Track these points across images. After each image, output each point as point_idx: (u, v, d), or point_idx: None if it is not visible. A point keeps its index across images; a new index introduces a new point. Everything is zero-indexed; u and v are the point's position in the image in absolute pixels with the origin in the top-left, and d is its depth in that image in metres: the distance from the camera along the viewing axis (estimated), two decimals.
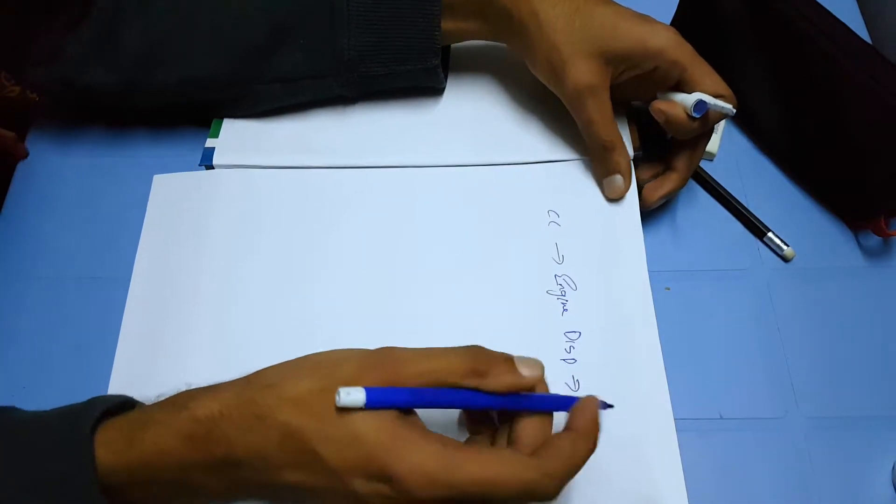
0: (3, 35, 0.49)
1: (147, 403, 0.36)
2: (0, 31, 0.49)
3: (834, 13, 0.51)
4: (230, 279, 0.48)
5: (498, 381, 0.34)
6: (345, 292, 0.48)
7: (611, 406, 0.38)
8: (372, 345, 0.35)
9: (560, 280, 0.48)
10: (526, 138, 0.53)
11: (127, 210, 0.51)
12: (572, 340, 0.46)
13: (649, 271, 0.48)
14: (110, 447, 0.33)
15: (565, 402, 0.38)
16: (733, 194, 0.54)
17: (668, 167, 0.51)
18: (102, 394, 0.43)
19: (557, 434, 0.35)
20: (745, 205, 0.53)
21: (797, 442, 0.45)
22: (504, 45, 0.51)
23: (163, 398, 0.35)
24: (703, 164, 0.55)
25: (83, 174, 0.54)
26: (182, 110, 0.54)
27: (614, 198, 0.51)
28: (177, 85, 0.51)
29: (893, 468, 0.44)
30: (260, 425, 0.32)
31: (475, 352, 0.34)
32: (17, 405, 0.36)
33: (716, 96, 0.47)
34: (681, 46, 0.47)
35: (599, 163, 0.50)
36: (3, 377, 0.46)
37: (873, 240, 0.53)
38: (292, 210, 0.51)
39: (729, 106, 0.47)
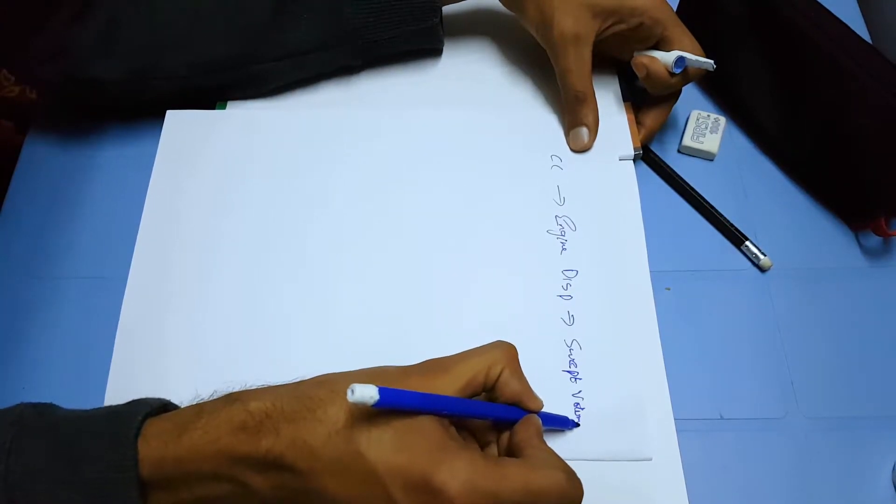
0: (6, 31, 0.49)
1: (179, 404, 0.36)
2: (2, 27, 0.49)
3: (834, 13, 0.51)
4: (245, 219, 0.50)
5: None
6: (350, 232, 0.50)
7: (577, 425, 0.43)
8: (382, 279, 0.47)
9: (560, 221, 0.50)
10: (527, 92, 0.57)
11: (127, 209, 0.51)
12: (569, 278, 0.48)
13: (649, 272, 0.49)
14: (160, 438, 0.33)
15: (564, 422, 0.42)
16: (732, 195, 0.54)
17: (637, 122, 0.54)
18: (103, 391, 0.44)
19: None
20: (746, 205, 0.53)
21: (798, 442, 0.45)
22: (494, 5, 0.54)
23: (216, 396, 0.35)
24: (703, 165, 0.55)
25: (83, 173, 0.54)
26: (190, 97, 0.54)
27: (577, 150, 0.53)
28: (184, 71, 0.52)
29: (894, 468, 0.44)
30: (310, 417, 0.32)
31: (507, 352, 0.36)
32: None
33: None
34: (664, 6, 0.51)
35: (569, 113, 0.53)
36: (3, 377, 0.46)
37: (874, 240, 0.53)
38: (299, 150, 0.53)
39: (710, 61, 0.51)
